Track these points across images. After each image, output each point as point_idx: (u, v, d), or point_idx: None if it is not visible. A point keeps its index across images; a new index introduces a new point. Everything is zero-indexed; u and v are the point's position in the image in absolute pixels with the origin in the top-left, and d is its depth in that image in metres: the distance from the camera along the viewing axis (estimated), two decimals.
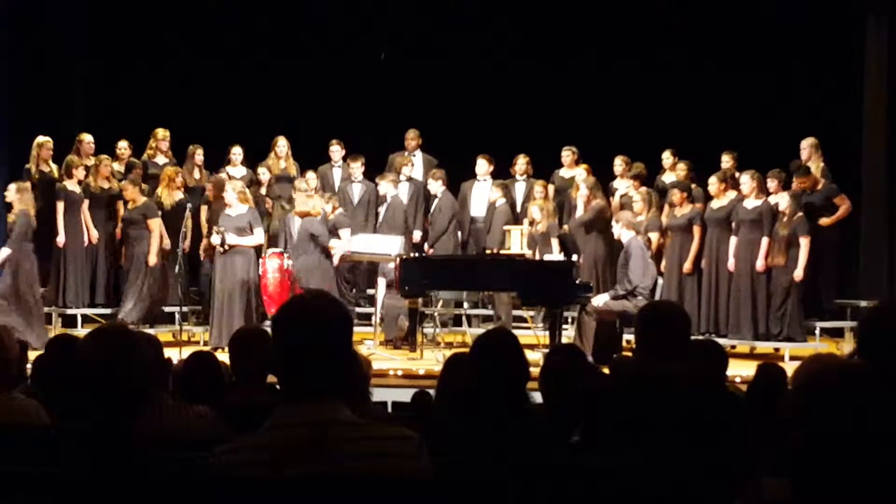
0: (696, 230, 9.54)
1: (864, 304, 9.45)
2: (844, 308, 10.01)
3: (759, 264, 9.14)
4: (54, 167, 10.19)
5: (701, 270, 9.55)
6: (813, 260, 9.07)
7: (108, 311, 9.91)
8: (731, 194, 9.45)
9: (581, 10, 11.92)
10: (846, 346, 9.16)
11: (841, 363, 2.87)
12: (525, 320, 10.12)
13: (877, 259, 10.65)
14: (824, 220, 9.42)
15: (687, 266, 9.51)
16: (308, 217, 9.57)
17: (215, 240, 9.25)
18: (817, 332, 9.46)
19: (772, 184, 9.32)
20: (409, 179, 10.75)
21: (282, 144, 10.82)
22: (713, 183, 9.54)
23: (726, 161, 10.00)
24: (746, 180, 9.32)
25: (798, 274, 8.94)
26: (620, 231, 9.01)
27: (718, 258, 9.44)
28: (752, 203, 9.26)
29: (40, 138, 10.16)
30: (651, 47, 11.79)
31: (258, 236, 9.45)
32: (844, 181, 9.87)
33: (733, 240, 9.33)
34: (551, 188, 10.63)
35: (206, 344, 9.27)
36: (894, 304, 1.50)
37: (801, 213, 9.05)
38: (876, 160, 10.78)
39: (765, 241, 9.12)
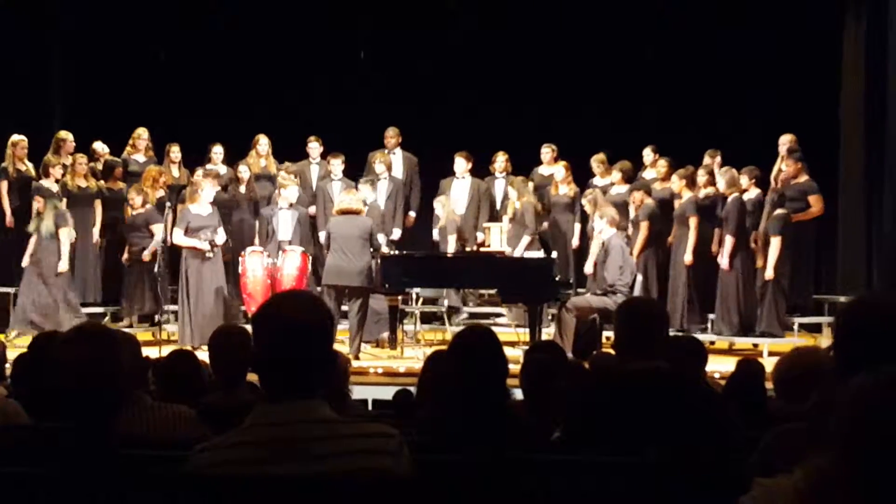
0: (643, 226, 9.55)
1: (841, 299, 9.51)
2: (822, 303, 10.08)
3: (724, 262, 9.11)
4: (30, 166, 10.10)
5: (665, 265, 9.59)
6: (786, 256, 9.09)
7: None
8: (710, 190, 9.49)
9: (563, 8, 11.92)
10: (824, 341, 9.21)
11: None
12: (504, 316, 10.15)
13: (854, 254, 10.72)
14: (794, 216, 9.46)
15: (635, 253, 9.47)
16: (355, 215, 8.89)
17: (203, 245, 9.12)
18: (795, 327, 9.52)
19: (744, 180, 9.35)
20: (390, 177, 10.72)
21: (263, 143, 10.79)
22: (675, 181, 9.61)
23: (708, 160, 10.03)
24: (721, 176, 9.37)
25: (768, 273, 8.97)
26: (602, 227, 9.00)
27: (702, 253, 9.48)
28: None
29: (15, 137, 10.06)
30: (633, 44, 11.81)
31: (223, 234, 9.42)
32: (822, 177, 9.92)
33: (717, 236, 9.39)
34: (531, 185, 10.63)
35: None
36: (872, 300, 1.51)
37: (778, 212, 9.08)
38: (853, 157, 10.85)
39: (728, 238, 9.09)
